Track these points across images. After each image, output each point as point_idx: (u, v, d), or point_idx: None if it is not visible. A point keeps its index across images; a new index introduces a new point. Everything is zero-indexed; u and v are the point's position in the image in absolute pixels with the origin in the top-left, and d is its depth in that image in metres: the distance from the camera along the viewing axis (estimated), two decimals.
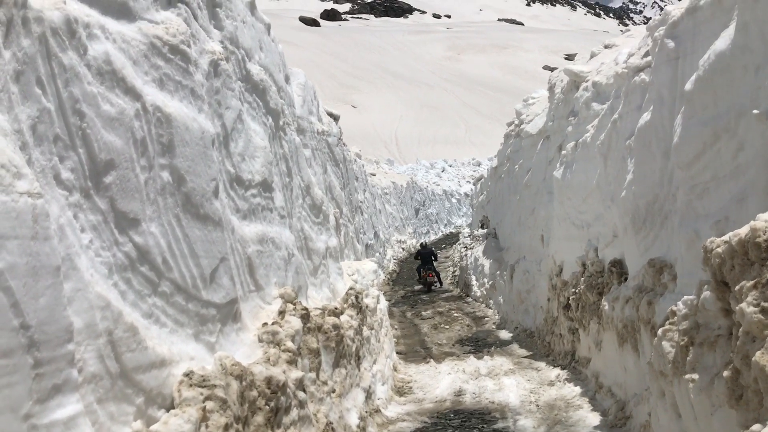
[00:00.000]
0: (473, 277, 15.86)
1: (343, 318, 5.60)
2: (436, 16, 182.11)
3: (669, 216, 4.76)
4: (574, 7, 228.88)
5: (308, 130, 7.08)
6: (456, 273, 19.36)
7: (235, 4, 4.65)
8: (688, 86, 4.10)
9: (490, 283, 13.85)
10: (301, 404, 3.81)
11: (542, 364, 8.42)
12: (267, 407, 3.36)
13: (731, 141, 3.65)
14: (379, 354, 7.38)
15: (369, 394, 6.19)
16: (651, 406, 4.42)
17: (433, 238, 32.16)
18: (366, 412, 5.85)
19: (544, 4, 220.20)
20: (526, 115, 12.35)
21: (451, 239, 29.69)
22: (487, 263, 14.55)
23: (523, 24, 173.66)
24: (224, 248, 3.53)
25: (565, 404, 6.66)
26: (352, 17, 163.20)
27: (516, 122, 13.28)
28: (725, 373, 2.91)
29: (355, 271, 7.81)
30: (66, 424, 2.04)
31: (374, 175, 25.41)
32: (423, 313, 14.04)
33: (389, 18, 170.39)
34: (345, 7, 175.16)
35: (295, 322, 4.19)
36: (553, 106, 9.84)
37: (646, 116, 5.10)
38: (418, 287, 17.94)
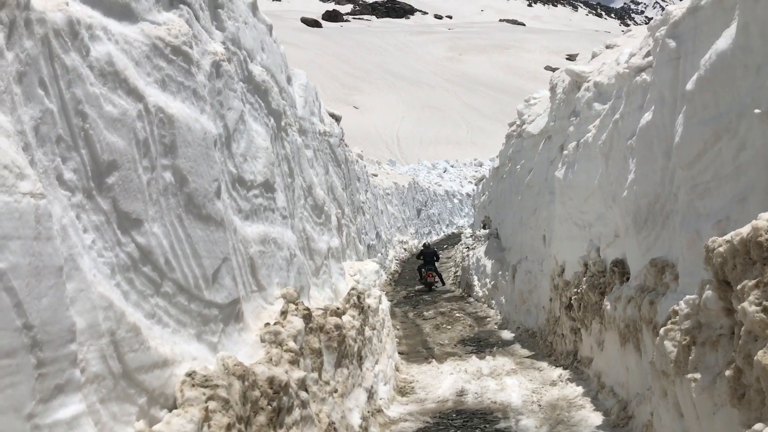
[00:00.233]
0: (475, 278, 15.85)
1: (345, 318, 5.61)
2: (438, 17, 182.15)
3: (670, 216, 4.76)
4: (575, 8, 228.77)
5: (310, 131, 7.08)
6: (458, 273, 19.35)
7: (237, 5, 4.65)
8: (689, 86, 4.10)
9: (492, 283, 13.85)
10: (304, 404, 3.82)
11: (544, 364, 8.41)
12: (269, 407, 3.36)
13: (732, 141, 3.65)
14: (381, 354, 7.38)
15: (371, 394, 6.19)
16: (653, 405, 4.42)
17: (434, 238, 32.17)
18: (368, 412, 5.85)
19: (546, 5, 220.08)
20: (528, 116, 12.36)
21: (453, 240, 29.66)
22: (489, 263, 14.54)
23: (524, 24, 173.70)
24: (226, 248, 3.53)
25: (567, 404, 6.66)
26: (354, 18, 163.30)
27: (518, 122, 13.29)
28: (727, 373, 2.91)
29: (357, 272, 7.82)
30: (69, 424, 2.05)
31: (376, 175, 25.44)
32: (425, 313, 14.04)
33: (391, 19, 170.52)
34: (347, 8, 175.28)
35: (297, 323, 4.19)
36: (554, 107, 9.85)
37: (647, 116, 5.10)
38: (419, 287, 17.97)
